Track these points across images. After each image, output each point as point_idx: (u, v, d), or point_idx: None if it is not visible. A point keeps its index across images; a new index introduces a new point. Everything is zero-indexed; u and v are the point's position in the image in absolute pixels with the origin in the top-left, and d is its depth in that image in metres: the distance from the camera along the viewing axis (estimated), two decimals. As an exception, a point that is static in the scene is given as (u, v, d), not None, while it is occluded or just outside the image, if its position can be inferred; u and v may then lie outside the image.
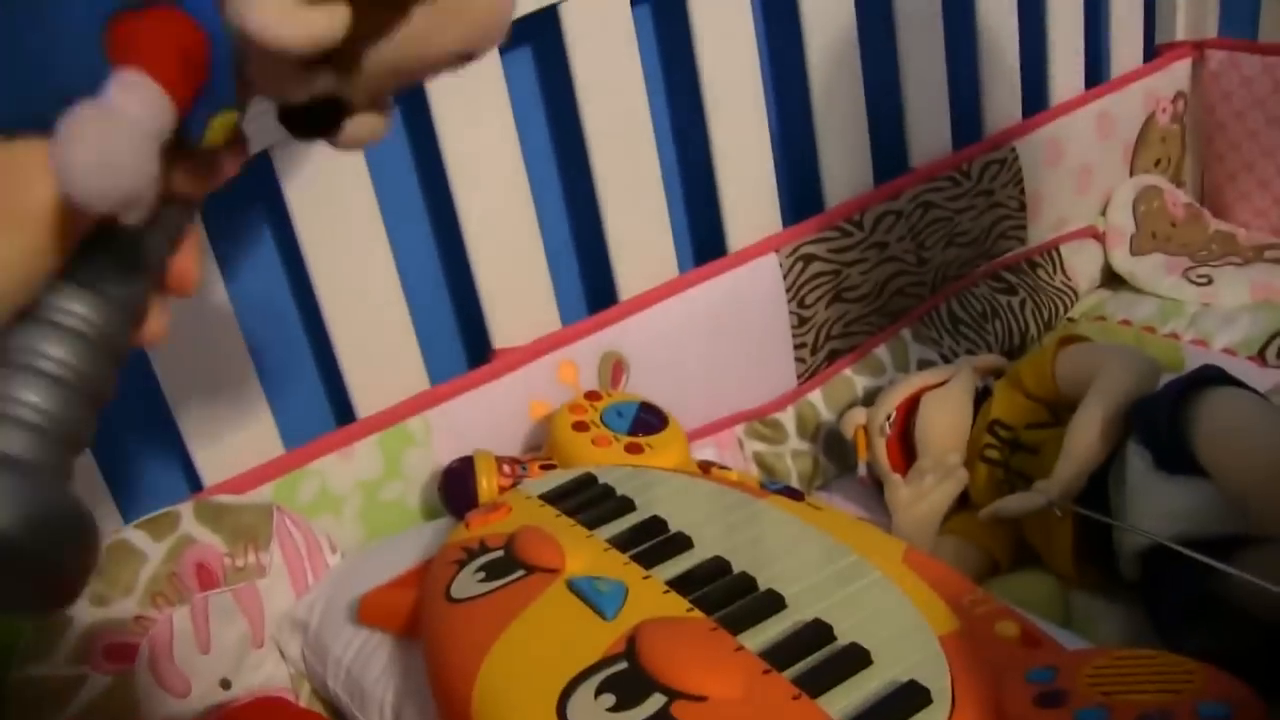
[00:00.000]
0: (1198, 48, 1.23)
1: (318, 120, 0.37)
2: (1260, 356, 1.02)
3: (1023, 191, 1.13)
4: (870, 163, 1.04)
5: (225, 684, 0.72)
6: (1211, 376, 0.72)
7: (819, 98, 0.99)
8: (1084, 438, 0.76)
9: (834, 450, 0.99)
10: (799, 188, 1.03)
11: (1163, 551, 0.69)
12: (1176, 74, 1.23)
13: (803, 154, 1.01)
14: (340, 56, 0.33)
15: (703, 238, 1.01)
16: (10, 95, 0.32)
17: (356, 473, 0.81)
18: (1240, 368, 0.99)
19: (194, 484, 0.79)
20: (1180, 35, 1.25)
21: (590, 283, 0.99)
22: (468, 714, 0.52)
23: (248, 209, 0.82)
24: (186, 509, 0.73)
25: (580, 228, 0.96)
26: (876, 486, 0.92)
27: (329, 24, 0.31)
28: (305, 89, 0.34)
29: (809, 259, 0.99)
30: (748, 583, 0.57)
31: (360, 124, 0.37)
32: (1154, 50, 1.26)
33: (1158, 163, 1.25)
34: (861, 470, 0.91)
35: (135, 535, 0.70)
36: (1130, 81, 1.20)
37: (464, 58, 0.37)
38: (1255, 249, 1.18)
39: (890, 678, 0.49)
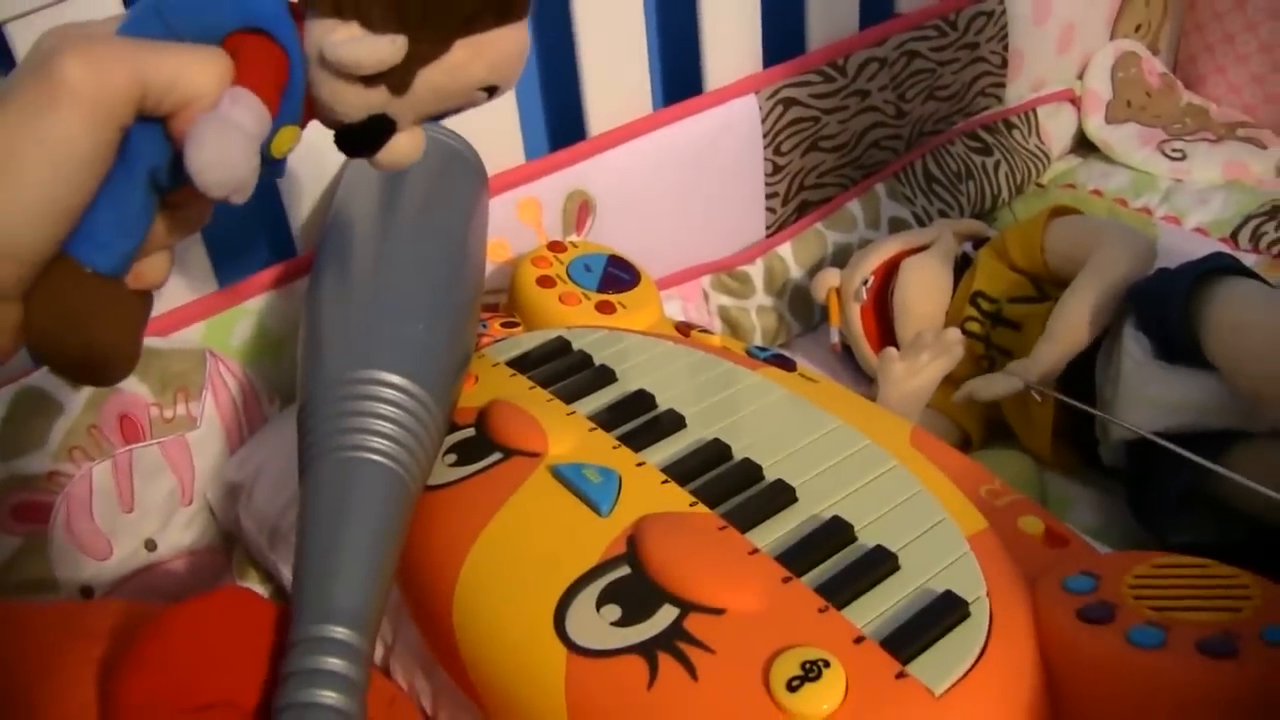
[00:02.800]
0: (1197, -101, 1.16)
1: (368, 137, 0.42)
2: (1233, 239, 0.99)
3: (1006, 48, 1.07)
4: (858, 5, 0.97)
5: (150, 545, 0.66)
6: (1226, 265, 0.68)
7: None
8: (1071, 320, 0.72)
9: (799, 308, 0.94)
10: (781, 26, 0.95)
11: (1150, 443, 0.67)
12: (1171, -71, 1.16)
13: (789, -11, 0.93)
14: (395, 78, 0.40)
15: (678, 73, 0.93)
16: None
17: (298, 312, 0.73)
18: (1212, 248, 0.96)
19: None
20: (1180, -116, 1.18)
21: (557, 116, 0.90)
22: (448, 625, 0.46)
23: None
24: (108, 351, 0.64)
25: (550, 56, 0.87)
26: (847, 354, 0.88)
27: (392, 48, 0.39)
28: (363, 106, 0.41)
29: (789, 103, 0.92)
30: (752, 470, 0.52)
31: (402, 141, 0.43)
32: (1151, -100, 1.19)
33: (1138, 28, 1.19)
34: (833, 337, 0.87)
35: (50, 382, 0.62)
36: (1125, -67, 1.13)
37: (489, 89, 0.43)
38: (1228, 126, 1.14)
39: (921, 586, 0.45)
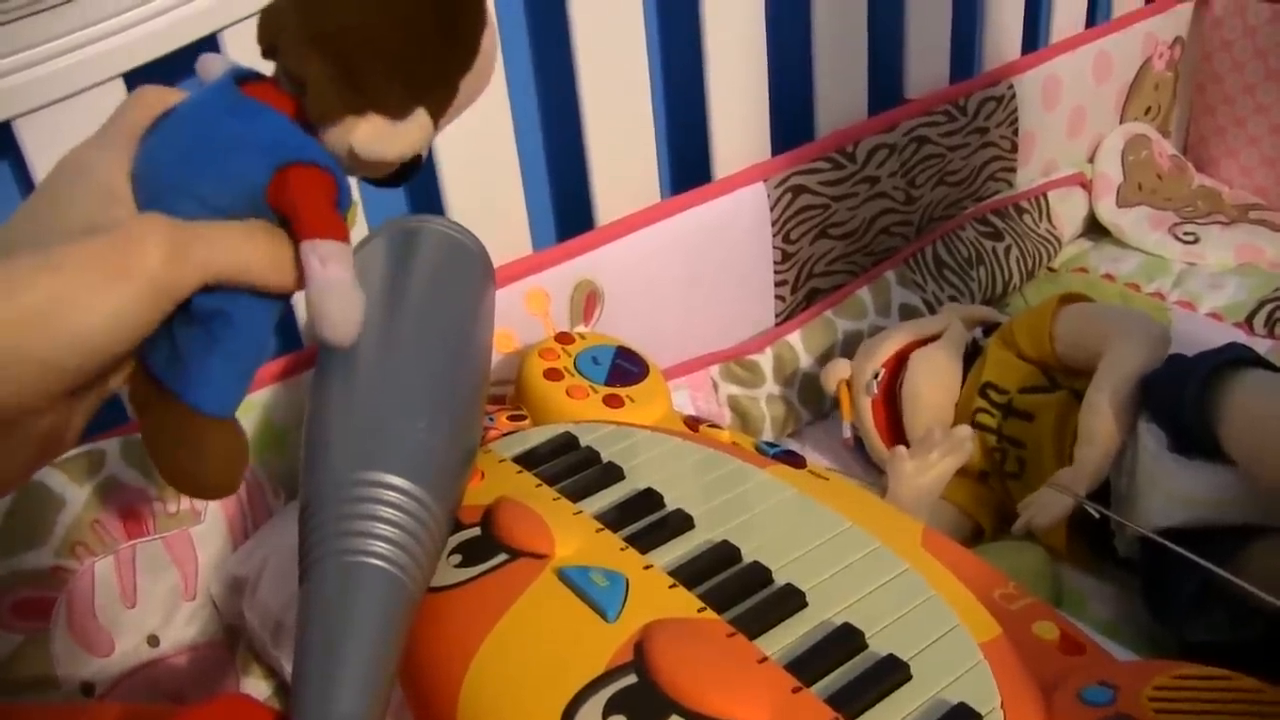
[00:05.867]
0: (1202, -9, 1.17)
1: (402, 178, 0.44)
2: (1248, 324, 0.98)
3: (1016, 132, 1.08)
4: (866, 91, 0.97)
5: (153, 640, 0.65)
6: (1242, 357, 0.67)
7: (820, 18, 0.91)
8: (1104, 421, 0.71)
9: (809, 397, 0.93)
10: (790, 113, 0.96)
11: (1168, 537, 0.65)
12: (1178, 18, 1.17)
13: (798, 77, 0.94)
14: None
15: (687, 162, 0.94)
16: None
17: (302, 405, 0.73)
18: (1227, 334, 0.96)
19: (119, 417, 0.70)
20: (1185, -23, 1.19)
21: (565, 206, 0.91)
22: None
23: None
24: (112, 446, 0.64)
25: (557, 146, 0.88)
26: (859, 446, 0.87)
27: (422, 131, 0.40)
28: (398, 164, 0.42)
29: (798, 190, 0.93)
30: (761, 574, 0.51)
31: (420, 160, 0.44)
32: (1157, -10, 1.20)
33: (1148, 111, 1.20)
34: (845, 431, 0.86)
35: (52, 477, 0.62)
36: (1131, 23, 1.15)
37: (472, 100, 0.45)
38: (1240, 209, 1.14)
39: (933, 697, 0.44)
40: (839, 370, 0.86)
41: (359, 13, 0.40)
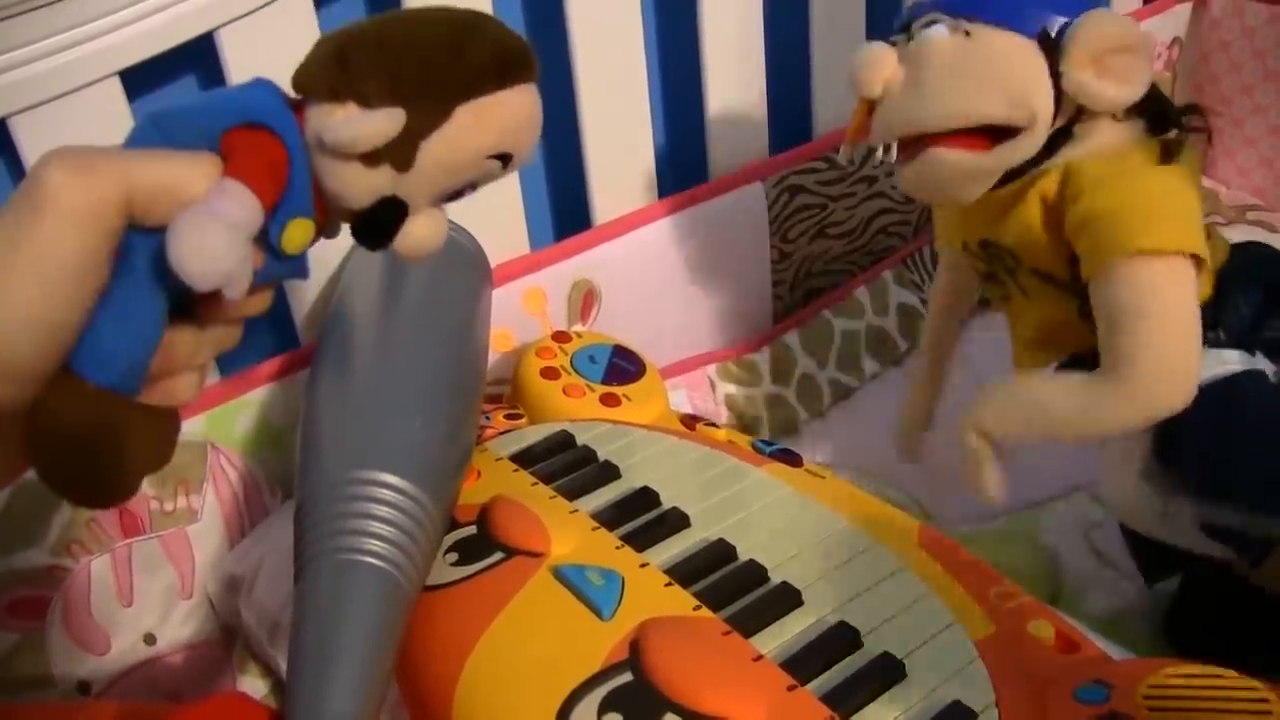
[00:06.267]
0: (1200, -10, 1.17)
1: (380, 223, 0.41)
2: (1246, 323, 0.98)
3: (1013, 132, 1.08)
4: (863, 91, 0.97)
5: (150, 639, 0.65)
6: None
7: (818, 18, 0.91)
8: (1052, 420, 0.55)
9: (807, 396, 0.93)
10: (788, 113, 0.95)
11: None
12: (1176, 19, 1.17)
13: (795, 76, 0.94)
14: (396, 153, 0.39)
15: (684, 162, 0.93)
16: None
17: (299, 404, 0.72)
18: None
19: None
20: (1182, -23, 1.19)
21: (562, 205, 0.91)
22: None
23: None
24: (108, 444, 0.64)
25: (555, 145, 0.88)
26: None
27: (388, 122, 0.38)
28: (368, 187, 0.39)
29: (796, 190, 0.93)
30: (757, 572, 0.51)
31: (419, 225, 0.41)
32: (1154, -10, 1.20)
33: (1146, 110, 1.20)
34: (841, 150, 0.66)
35: (49, 476, 0.62)
36: (1129, 22, 1.15)
37: (502, 158, 0.42)
38: (1237, 209, 1.14)
39: (929, 695, 0.44)
40: (880, 70, 0.59)
41: (384, 18, 0.40)
